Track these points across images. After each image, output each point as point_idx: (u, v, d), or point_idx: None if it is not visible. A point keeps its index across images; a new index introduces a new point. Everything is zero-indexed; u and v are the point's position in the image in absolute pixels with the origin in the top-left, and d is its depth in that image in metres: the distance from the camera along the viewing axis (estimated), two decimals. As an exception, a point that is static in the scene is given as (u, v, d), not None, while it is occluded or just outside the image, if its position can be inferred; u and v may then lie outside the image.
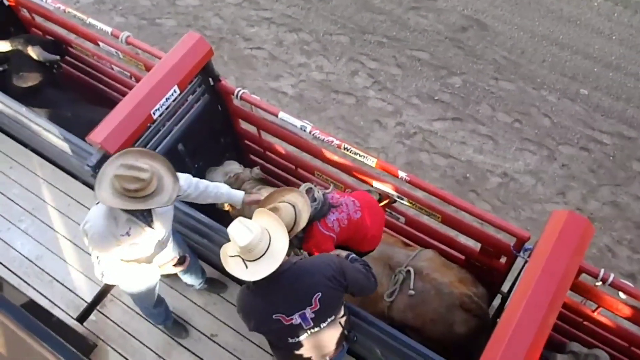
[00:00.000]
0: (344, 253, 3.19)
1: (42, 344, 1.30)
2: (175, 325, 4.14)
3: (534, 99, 6.42)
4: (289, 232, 2.94)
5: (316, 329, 2.88)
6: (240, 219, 2.68)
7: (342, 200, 3.48)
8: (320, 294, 2.79)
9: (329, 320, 2.90)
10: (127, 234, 3.00)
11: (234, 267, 2.73)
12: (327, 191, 3.51)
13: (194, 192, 3.35)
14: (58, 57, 4.83)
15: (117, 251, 3.06)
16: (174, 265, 3.42)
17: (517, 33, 6.90)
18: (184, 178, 3.30)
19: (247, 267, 2.69)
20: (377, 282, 3.08)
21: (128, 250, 3.09)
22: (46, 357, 1.24)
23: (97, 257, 3.10)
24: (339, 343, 3.06)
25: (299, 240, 3.35)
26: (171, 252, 3.48)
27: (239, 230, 2.64)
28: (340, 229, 3.38)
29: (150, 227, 3.08)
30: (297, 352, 2.96)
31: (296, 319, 2.81)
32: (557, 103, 6.38)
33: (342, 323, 3.02)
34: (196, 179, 3.39)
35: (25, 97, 4.57)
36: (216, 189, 3.46)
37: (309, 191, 3.35)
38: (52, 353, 1.23)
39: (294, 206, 3.13)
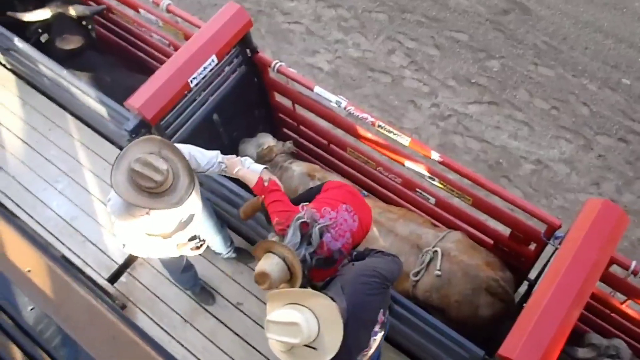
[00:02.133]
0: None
1: (84, 289, 1.36)
2: (202, 292, 4.22)
3: (574, 87, 6.28)
4: (290, 282, 2.76)
5: (380, 334, 2.86)
6: (268, 319, 2.48)
7: (338, 217, 3.03)
8: (382, 309, 2.76)
9: (387, 320, 2.91)
10: (147, 213, 3.03)
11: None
12: (317, 218, 2.95)
13: (216, 169, 3.34)
14: (104, 7, 4.88)
15: (138, 227, 3.10)
16: (191, 249, 3.40)
17: (560, 18, 6.73)
18: (208, 158, 3.28)
19: (316, 349, 2.48)
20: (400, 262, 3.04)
21: (149, 227, 3.13)
22: (93, 303, 1.29)
23: (119, 230, 3.17)
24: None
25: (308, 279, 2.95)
26: (195, 232, 3.50)
27: (282, 332, 2.45)
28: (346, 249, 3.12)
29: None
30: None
31: (371, 340, 2.77)
32: (597, 92, 6.23)
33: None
34: (220, 158, 3.34)
35: (68, 60, 4.66)
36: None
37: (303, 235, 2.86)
38: (95, 298, 1.29)
39: (283, 259, 2.76)
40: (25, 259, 1.43)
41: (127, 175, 2.82)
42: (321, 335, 2.46)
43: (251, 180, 3.22)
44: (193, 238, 3.38)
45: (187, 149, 3.20)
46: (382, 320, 2.78)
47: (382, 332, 2.87)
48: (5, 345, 1.17)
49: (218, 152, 3.35)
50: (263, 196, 3.18)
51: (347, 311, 2.56)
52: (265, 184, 3.17)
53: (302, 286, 2.77)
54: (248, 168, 3.32)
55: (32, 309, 1.32)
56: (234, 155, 3.42)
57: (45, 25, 4.79)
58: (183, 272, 3.92)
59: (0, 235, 1.52)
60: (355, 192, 3.33)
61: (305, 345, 2.45)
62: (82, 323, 1.29)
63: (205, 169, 3.27)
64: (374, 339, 2.80)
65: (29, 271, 1.40)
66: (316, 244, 2.84)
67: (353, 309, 2.58)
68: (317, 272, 2.95)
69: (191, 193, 2.96)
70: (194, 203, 3.28)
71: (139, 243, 3.23)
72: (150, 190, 2.82)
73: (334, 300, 2.56)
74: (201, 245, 3.39)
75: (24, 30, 4.81)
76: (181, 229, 3.28)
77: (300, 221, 2.84)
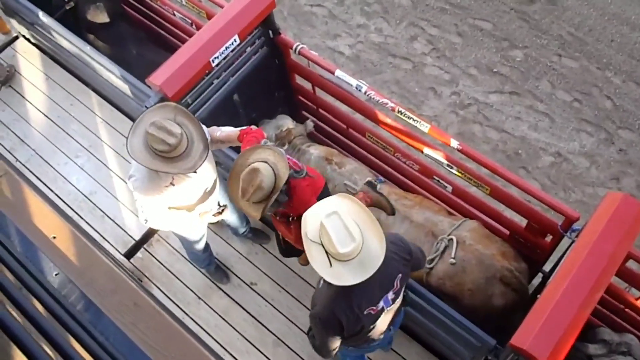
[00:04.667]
0: None
1: (107, 258, 1.39)
2: (217, 271, 4.27)
3: (597, 80, 6.19)
4: (272, 193, 2.82)
5: (392, 306, 2.86)
6: (339, 212, 2.40)
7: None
8: (400, 274, 2.74)
9: (401, 295, 2.90)
10: (172, 184, 3.06)
11: (315, 258, 2.44)
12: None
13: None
14: None
15: (163, 201, 3.14)
16: (213, 215, 3.48)
17: (587, 10, 6.62)
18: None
19: (331, 264, 2.40)
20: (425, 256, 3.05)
21: (173, 199, 3.16)
22: (116, 271, 1.33)
23: (142, 206, 3.19)
24: (400, 309, 3.08)
25: (284, 194, 3.03)
26: (216, 201, 3.54)
27: (339, 232, 2.36)
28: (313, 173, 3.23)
29: (195, 172, 3.10)
30: (370, 334, 2.91)
31: (380, 305, 2.75)
32: (621, 85, 6.14)
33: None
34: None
35: (99, 29, 4.68)
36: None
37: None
38: (118, 267, 1.32)
39: (269, 164, 2.86)
40: (51, 225, 1.46)
41: (143, 139, 2.86)
42: (364, 249, 2.43)
43: (233, 134, 3.32)
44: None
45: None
46: (397, 287, 2.76)
47: (394, 306, 2.85)
48: (30, 300, 1.20)
49: None
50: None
51: None
52: (252, 127, 3.32)
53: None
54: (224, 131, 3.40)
55: (56, 275, 1.35)
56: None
57: None
58: (200, 251, 3.96)
59: (26, 202, 1.55)
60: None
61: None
62: (104, 289, 1.33)
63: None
64: (383, 307, 2.77)
65: (54, 238, 1.43)
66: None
67: None
68: (295, 181, 3.06)
69: (205, 159, 2.97)
70: (212, 172, 3.32)
71: (162, 217, 3.26)
72: (164, 155, 2.85)
73: None
74: (222, 210, 3.48)
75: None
76: (203, 200, 3.32)
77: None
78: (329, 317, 2.66)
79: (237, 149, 3.39)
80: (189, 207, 3.31)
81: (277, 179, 2.86)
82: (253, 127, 3.37)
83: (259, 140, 3.23)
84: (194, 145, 2.93)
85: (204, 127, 3.27)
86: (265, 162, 2.86)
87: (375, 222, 2.54)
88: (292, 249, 3.53)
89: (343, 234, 2.37)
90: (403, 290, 2.90)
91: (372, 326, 2.84)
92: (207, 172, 3.23)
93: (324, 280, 2.55)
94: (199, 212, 3.40)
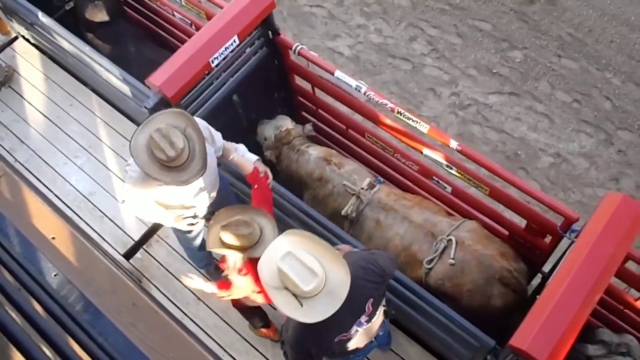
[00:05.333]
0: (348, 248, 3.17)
1: (106, 258, 1.39)
2: (216, 271, 4.25)
3: (597, 80, 6.20)
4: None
5: (368, 325, 2.86)
6: (292, 251, 2.40)
7: None
8: (372, 299, 2.74)
9: (377, 313, 2.89)
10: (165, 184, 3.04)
11: (283, 304, 2.41)
12: None
13: (219, 152, 3.40)
14: None
15: (149, 194, 3.14)
16: (187, 224, 3.45)
17: (587, 10, 6.62)
18: (219, 137, 3.35)
19: (301, 304, 2.38)
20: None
21: (160, 196, 3.17)
22: (114, 271, 1.33)
23: (127, 190, 3.21)
24: (382, 322, 3.07)
25: None
26: (198, 211, 3.51)
27: (299, 272, 2.35)
28: None
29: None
30: (349, 349, 2.90)
31: (353, 330, 2.75)
32: (620, 86, 6.14)
33: (384, 306, 3.01)
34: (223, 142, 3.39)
35: (98, 27, 4.68)
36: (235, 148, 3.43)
37: None
38: (117, 268, 1.32)
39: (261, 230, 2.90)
40: (50, 226, 1.46)
41: (146, 141, 2.86)
42: (328, 280, 2.41)
43: (246, 167, 3.31)
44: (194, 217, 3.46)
45: (206, 124, 3.26)
46: (369, 311, 2.75)
47: (369, 324, 2.85)
48: (29, 301, 1.20)
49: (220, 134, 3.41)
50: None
51: None
52: (261, 174, 3.29)
53: None
54: (242, 156, 3.39)
55: (55, 275, 1.35)
56: (231, 143, 3.46)
57: None
58: (198, 251, 3.96)
59: (26, 203, 1.55)
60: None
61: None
62: (103, 289, 1.33)
63: (217, 147, 3.33)
64: (357, 330, 2.78)
65: (54, 238, 1.43)
66: None
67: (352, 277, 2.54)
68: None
69: (200, 176, 2.98)
70: (207, 185, 3.31)
71: (141, 206, 3.27)
72: (162, 162, 2.86)
73: None
74: (196, 223, 3.47)
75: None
76: (187, 206, 3.33)
77: None
78: (299, 347, 2.69)
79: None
80: (169, 206, 3.31)
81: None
82: (266, 172, 3.36)
83: (269, 200, 3.25)
84: (193, 162, 2.91)
85: (218, 135, 3.31)
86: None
87: (332, 250, 2.52)
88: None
89: (303, 272, 2.36)
90: (381, 307, 2.90)
91: (347, 346, 2.84)
92: (203, 184, 3.24)
93: None
94: (176, 214, 3.39)
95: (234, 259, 2.93)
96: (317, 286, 2.37)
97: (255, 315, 3.82)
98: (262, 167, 3.36)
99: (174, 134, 2.83)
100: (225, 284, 3.14)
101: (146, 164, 2.88)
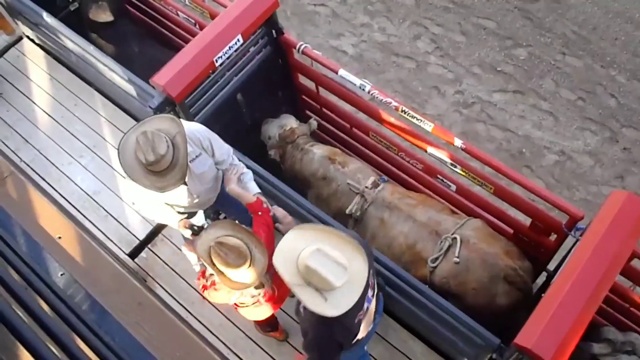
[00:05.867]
0: None
1: (111, 258, 1.40)
2: None
3: (601, 78, 6.18)
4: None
5: (372, 300, 2.87)
6: (320, 248, 2.38)
7: None
8: (370, 270, 2.73)
9: (376, 287, 2.91)
10: None
11: (309, 300, 2.40)
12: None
13: (223, 167, 3.36)
14: None
15: (149, 195, 3.14)
16: (189, 235, 3.42)
17: (591, 8, 6.60)
18: (224, 151, 3.32)
19: (326, 299, 2.39)
20: None
21: (160, 197, 3.17)
22: (120, 270, 1.33)
23: (132, 189, 3.20)
24: (379, 295, 3.08)
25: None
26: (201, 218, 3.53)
27: (331, 268, 2.34)
28: None
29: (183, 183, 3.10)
30: (359, 337, 2.92)
31: (365, 306, 2.76)
32: (625, 84, 6.13)
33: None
34: (231, 160, 3.37)
35: (102, 27, 4.69)
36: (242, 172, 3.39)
37: None
38: (122, 267, 1.33)
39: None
40: (56, 226, 1.47)
41: (133, 143, 2.87)
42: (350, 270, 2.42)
43: (246, 198, 3.22)
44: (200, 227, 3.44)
45: (208, 135, 3.24)
46: (372, 284, 2.78)
47: (373, 299, 2.88)
48: (36, 300, 1.21)
49: (231, 150, 3.37)
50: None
51: None
52: (264, 205, 3.21)
53: None
54: (246, 183, 3.35)
55: (62, 275, 1.36)
56: (241, 164, 3.43)
57: None
58: None
59: (32, 203, 1.56)
60: None
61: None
62: (109, 289, 1.33)
63: (218, 160, 3.30)
64: (367, 306, 2.80)
65: (60, 238, 1.44)
66: None
67: None
68: None
69: (177, 186, 2.96)
70: (206, 182, 3.30)
71: (146, 205, 3.29)
72: (144, 165, 2.86)
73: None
74: (198, 233, 3.43)
75: (55, 0, 4.85)
76: (197, 207, 3.32)
77: None
78: (327, 343, 2.68)
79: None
80: (174, 205, 3.33)
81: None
82: (265, 203, 3.27)
83: (270, 228, 3.17)
84: (172, 171, 2.89)
85: (224, 149, 3.28)
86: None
87: (346, 238, 2.51)
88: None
89: (334, 268, 2.36)
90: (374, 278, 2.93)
91: (360, 330, 2.85)
92: (194, 194, 3.23)
93: (304, 307, 2.53)
94: (179, 218, 3.40)
95: (211, 272, 2.90)
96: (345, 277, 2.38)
97: (267, 323, 3.83)
98: (264, 199, 3.28)
99: (158, 139, 2.82)
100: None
101: (129, 165, 2.89)
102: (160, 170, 2.87)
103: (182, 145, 2.92)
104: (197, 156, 3.17)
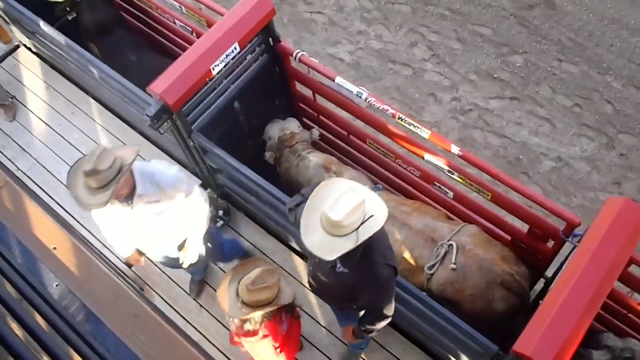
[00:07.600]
0: None
1: (107, 268, 1.39)
2: (197, 283, 4.29)
3: (598, 84, 6.20)
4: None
5: None
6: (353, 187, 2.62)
7: None
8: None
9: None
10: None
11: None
12: None
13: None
14: None
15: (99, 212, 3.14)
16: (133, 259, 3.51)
17: (586, 15, 6.64)
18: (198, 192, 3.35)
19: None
20: None
21: (105, 218, 3.20)
22: (116, 281, 1.33)
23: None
24: None
25: None
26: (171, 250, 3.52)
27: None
28: None
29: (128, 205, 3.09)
30: None
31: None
32: (621, 90, 6.15)
33: None
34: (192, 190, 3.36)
35: (99, 36, 4.69)
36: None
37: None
38: (118, 277, 1.32)
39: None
40: (51, 236, 1.46)
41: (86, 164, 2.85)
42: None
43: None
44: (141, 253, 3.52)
45: (176, 170, 3.28)
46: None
47: None
48: (31, 313, 1.20)
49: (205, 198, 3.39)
50: None
51: None
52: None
53: None
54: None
55: (57, 285, 1.35)
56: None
57: (72, 3, 4.82)
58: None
59: (27, 213, 1.55)
60: None
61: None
62: (105, 300, 1.32)
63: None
64: None
65: (55, 248, 1.43)
66: None
67: None
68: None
69: (100, 207, 2.92)
70: (157, 210, 3.23)
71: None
72: (82, 173, 2.84)
73: None
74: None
75: (52, 9, 4.85)
76: (151, 237, 3.34)
77: None
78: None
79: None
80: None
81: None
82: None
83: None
84: (98, 194, 2.85)
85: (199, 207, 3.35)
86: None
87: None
88: None
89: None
90: None
91: None
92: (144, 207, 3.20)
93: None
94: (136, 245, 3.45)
95: (253, 321, 2.96)
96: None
97: None
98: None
99: (105, 156, 2.81)
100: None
101: (73, 170, 2.90)
102: (94, 187, 2.83)
103: (124, 178, 2.89)
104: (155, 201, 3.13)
